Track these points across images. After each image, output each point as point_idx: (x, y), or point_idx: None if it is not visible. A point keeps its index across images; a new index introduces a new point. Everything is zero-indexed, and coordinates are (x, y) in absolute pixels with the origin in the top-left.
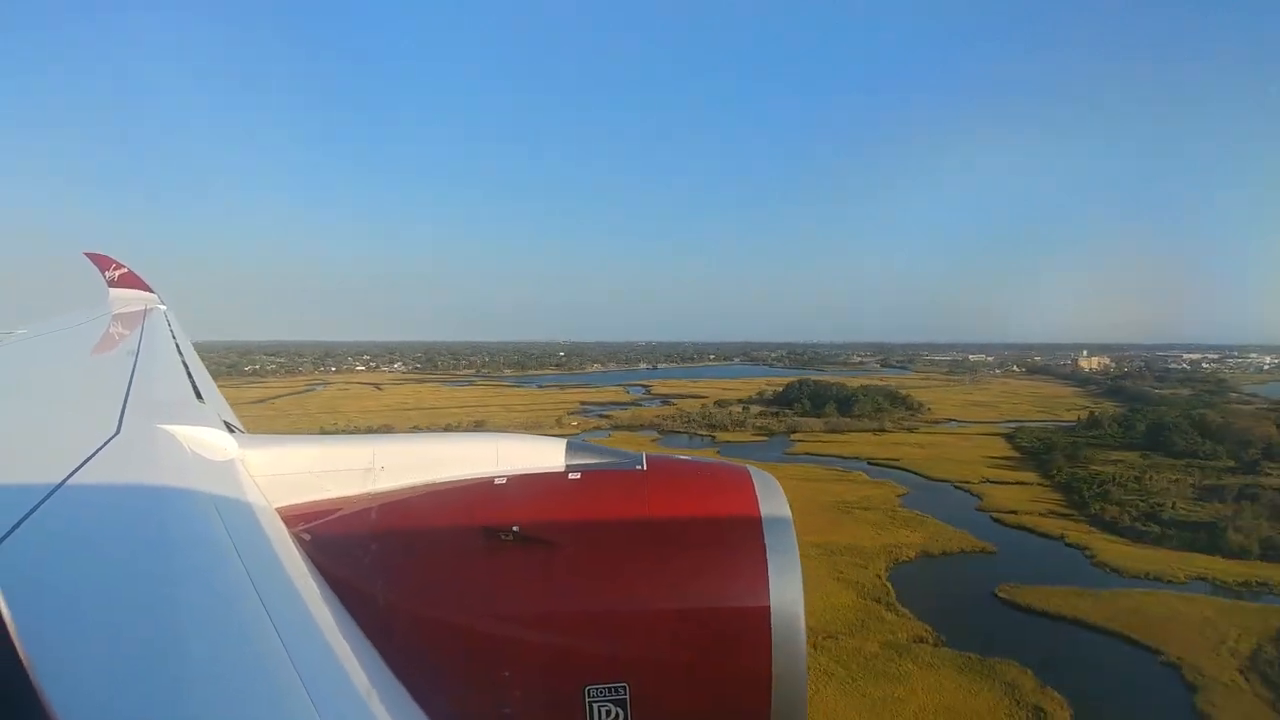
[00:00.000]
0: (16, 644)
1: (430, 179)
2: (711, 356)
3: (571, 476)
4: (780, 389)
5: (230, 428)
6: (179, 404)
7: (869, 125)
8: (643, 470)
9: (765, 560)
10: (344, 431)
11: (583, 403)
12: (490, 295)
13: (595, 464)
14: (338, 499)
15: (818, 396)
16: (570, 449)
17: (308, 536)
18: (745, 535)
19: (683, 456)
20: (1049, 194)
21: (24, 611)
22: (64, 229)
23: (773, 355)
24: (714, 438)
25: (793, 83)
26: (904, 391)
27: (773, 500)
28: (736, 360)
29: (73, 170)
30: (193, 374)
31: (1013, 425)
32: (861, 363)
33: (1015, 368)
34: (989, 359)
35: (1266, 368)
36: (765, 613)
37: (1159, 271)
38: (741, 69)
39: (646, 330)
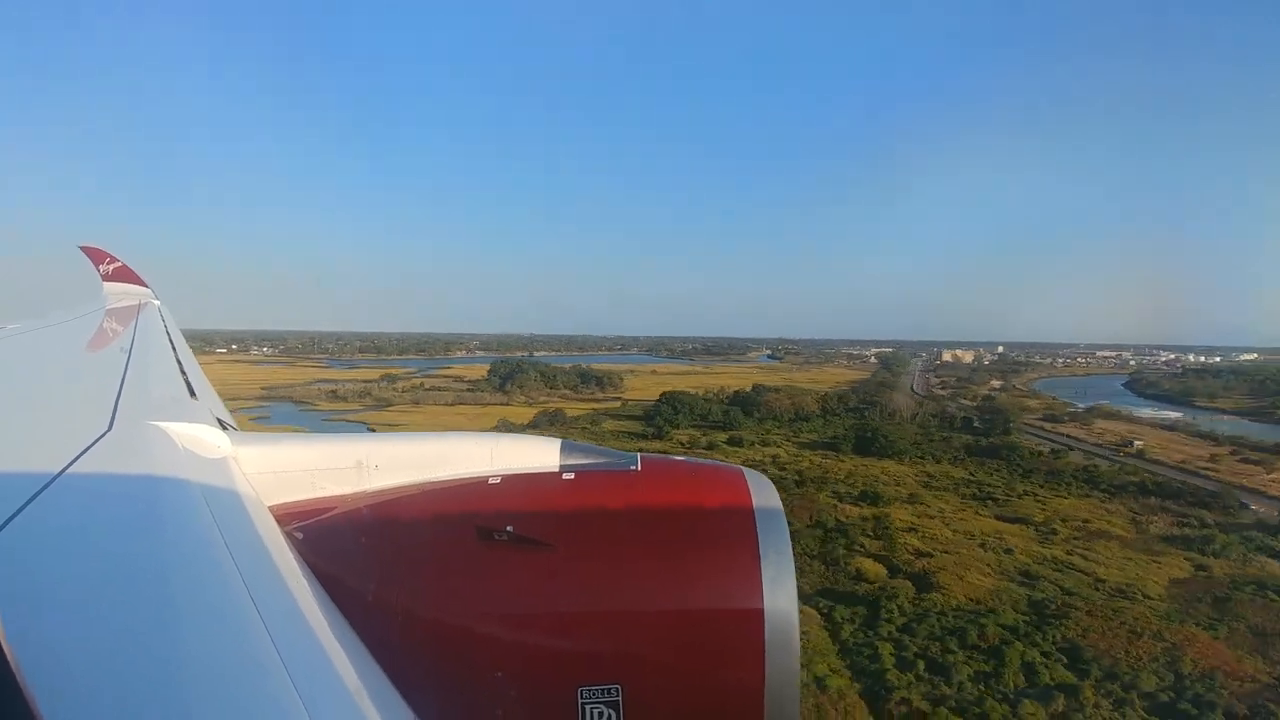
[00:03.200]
0: (2, 643)
1: (421, 179)
2: (618, 347)
3: (565, 477)
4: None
5: (223, 425)
6: (172, 401)
7: (865, 124)
8: (637, 470)
9: (759, 563)
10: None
11: (336, 379)
12: (473, 292)
13: (589, 464)
14: (331, 497)
15: (509, 375)
16: (565, 449)
17: (300, 534)
18: (739, 537)
19: (678, 458)
20: (1047, 194)
21: (11, 609)
22: (58, 222)
23: (681, 348)
24: (314, 405)
25: (794, 83)
26: (610, 373)
27: (767, 501)
28: (634, 350)
29: (66, 164)
30: (186, 371)
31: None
32: (744, 354)
33: (872, 359)
34: (871, 353)
35: (1132, 363)
36: (759, 615)
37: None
38: (727, 71)
39: (618, 326)
